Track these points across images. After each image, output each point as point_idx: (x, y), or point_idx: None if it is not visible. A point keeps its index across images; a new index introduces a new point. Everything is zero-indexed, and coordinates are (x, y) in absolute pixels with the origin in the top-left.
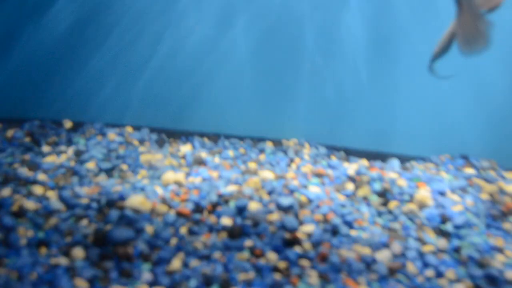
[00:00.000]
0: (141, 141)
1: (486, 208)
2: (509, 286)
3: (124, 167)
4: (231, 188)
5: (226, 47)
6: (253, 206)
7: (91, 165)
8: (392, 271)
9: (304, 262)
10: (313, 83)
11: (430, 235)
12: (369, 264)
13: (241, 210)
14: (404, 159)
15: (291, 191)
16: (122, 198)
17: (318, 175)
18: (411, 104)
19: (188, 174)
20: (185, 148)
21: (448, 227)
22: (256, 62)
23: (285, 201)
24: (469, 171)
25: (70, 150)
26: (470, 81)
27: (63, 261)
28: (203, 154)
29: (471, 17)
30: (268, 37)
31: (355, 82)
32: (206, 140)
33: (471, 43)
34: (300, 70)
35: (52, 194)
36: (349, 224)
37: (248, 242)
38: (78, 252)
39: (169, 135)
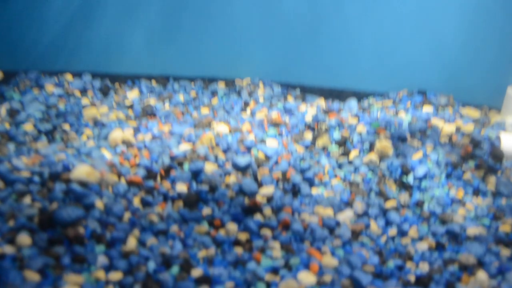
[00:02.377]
0: (83, 91)
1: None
2: (471, 242)
3: (66, 126)
4: (184, 147)
5: None
6: (209, 168)
7: (28, 127)
8: (355, 234)
9: (266, 232)
10: (264, 18)
11: (392, 189)
12: (332, 228)
13: (196, 174)
14: (361, 95)
15: (248, 148)
16: (67, 168)
17: (275, 125)
18: (367, 38)
19: (137, 130)
20: (132, 95)
21: (410, 179)
22: None
23: (242, 160)
24: (427, 109)
25: (3, 109)
26: (425, 16)
27: (8, 250)
28: (152, 101)
29: None
30: None
31: (309, 17)
32: (154, 83)
33: None
34: (251, 4)
35: None
36: (310, 181)
37: (206, 211)
38: (24, 238)
39: (113, 80)
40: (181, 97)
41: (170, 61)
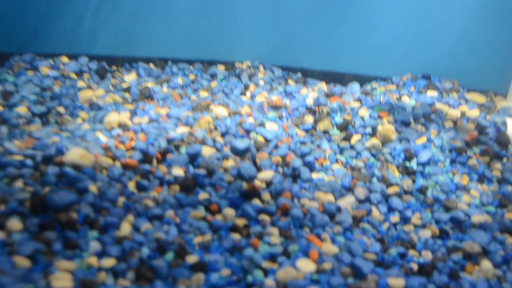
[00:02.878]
0: (79, 74)
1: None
2: (475, 230)
3: (61, 109)
4: (182, 130)
5: None
6: (206, 152)
7: (22, 109)
8: (356, 220)
9: (265, 217)
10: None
11: (394, 174)
12: (333, 214)
13: (193, 157)
14: (364, 80)
15: (247, 131)
16: (60, 152)
17: (275, 108)
18: (370, 21)
19: (133, 113)
20: (130, 78)
21: (413, 164)
22: None
23: (241, 143)
24: (432, 93)
25: None
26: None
27: None
28: (150, 84)
29: None
30: None
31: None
32: (152, 66)
33: None
34: None
35: None
36: (310, 166)
37: (202, 195)
38: (15, 223)
39: (110, 62)
40: (179, 80)
41: (168, 44)
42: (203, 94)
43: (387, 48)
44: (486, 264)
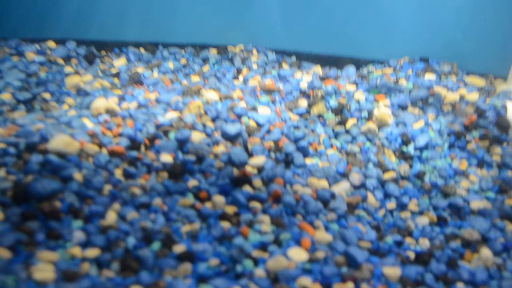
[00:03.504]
0: (67, 59)
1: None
2: (474, 217)
3: (47, 95)
4: (171, 116)
5: None
6: (196, 137)
7: (6, 96)
8: (351, 207)
9: (256, 204)
10: None
11: (391, 159)
12: (327, 201)
13: (182, 143)
14: (360, 63)
15: (238, 116)
16: (44, 139)
17: (268, 92)
18: (365, 2)
19: (122, 99)
20: (119, 63)
21: (410, 149)
22: None
23: (232, 128)
24: (430, 76)
25: None
26: None
27: None
28: (140, 69)
29: None
30: None
31: None
32: (142, 50)
33: None
34: None
35: None
36: (304, 151)
37: (191, 182)
38: None
39: (99, 47)
40: (170, 65)
41: (159, 27)
42: (195, 78)
43: (384, 31)
44: (485, 252)
